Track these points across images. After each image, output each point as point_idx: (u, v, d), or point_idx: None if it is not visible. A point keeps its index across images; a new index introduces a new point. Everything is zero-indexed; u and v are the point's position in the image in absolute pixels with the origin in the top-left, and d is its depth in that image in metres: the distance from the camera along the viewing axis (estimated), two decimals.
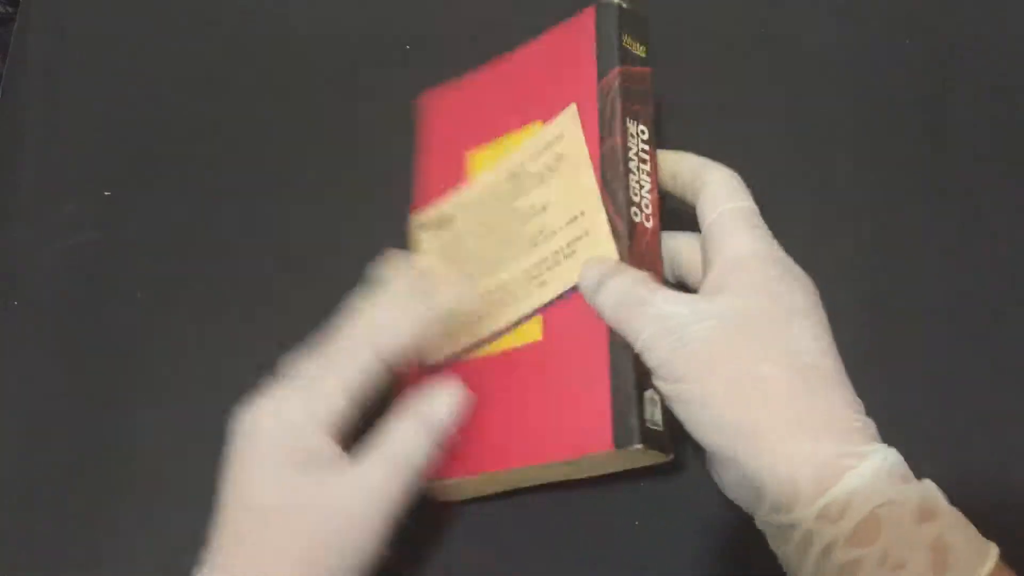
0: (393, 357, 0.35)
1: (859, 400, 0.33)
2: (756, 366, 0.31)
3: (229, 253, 0.48)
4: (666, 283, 0.37)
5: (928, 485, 0.30)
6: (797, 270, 0.35)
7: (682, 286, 0.39)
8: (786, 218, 0.47)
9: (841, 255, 0.46)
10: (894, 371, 0.44)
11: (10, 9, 0.56)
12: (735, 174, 0.37)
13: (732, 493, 0.34)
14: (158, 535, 0.41)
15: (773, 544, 0.32)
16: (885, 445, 0.31)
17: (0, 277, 0.48)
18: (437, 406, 0.36)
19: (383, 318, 0.35)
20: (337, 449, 0.34)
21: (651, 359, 0.33)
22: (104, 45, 0.54)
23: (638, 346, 0.33)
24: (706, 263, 0.36)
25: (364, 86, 0.52)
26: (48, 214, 0.50)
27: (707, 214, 0.36)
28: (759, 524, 0.33)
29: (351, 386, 0.34)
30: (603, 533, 0.41)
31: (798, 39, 0.52)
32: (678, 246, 0.39)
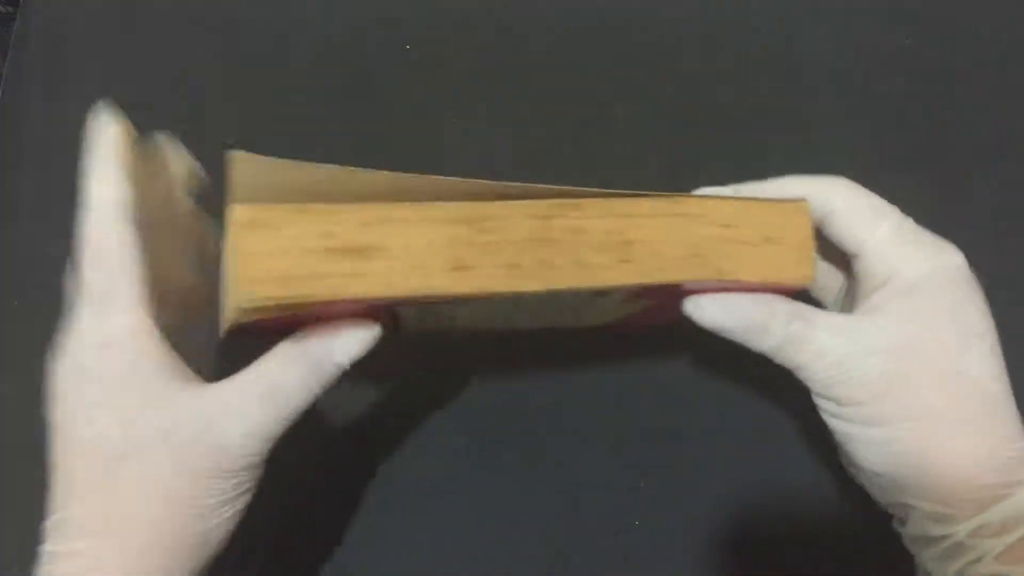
0: (133, 210, 0.32)
1: (1022, 427, 0.32)
2: (923, 393, 0.31)
3: None
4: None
5: None
6: (973, 285, 0.33)
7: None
8: None
9: None
10: None
11: (10, 9, 0.56)
12: (855, 184, 0.35)
13: (887, 504, 0.34)
14: None
15: (911, 543, 0.33)
16: None
17: (0, 277, 0.48)
18: (337, 345, 0.30)
19: (106, 180, 0.33)
20: (168, 352, 0.30)
21: (813, 385, 0.32)
22: (104, 45, 0.54)
23: (803, 372, 0.32)
24: (865, 280, 0.33)
25: (364, 86, 0.52)
26: (48, 213, 0.50)
27: (867, 237, 0.33)
28: (908, 532, 0.33)
29: (142, 274, 0.31)
30: (603, 533, 0.41)
31: (798, 39, 0.52)
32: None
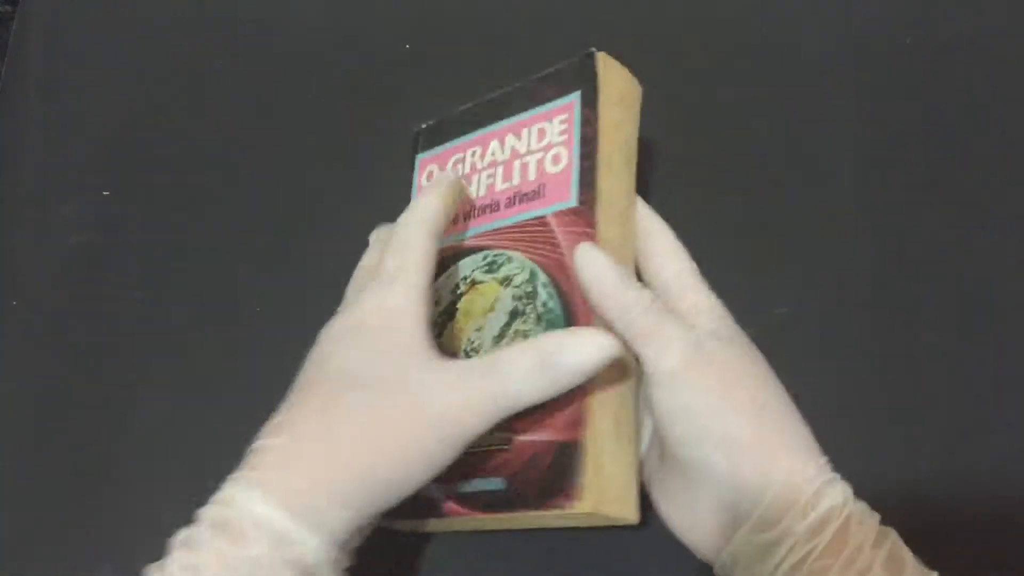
0: (438, 229, 0.37)
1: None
2: (758, 390, 0.34)
3: (229, 253, 0.48)
4: None
5: (876, 514, 0.33)
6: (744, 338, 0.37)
7: None
8: (786, 218, 0.47)
9: (841, 255, 0.46)
10: (894, 371, 0.44)
11: (10, 9, 0.56)
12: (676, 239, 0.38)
13: (699, 527, 0.35)
14: (158, 534, 0.41)
15: (745, 570, 0.33)
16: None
17: (0, 277, 0.48)
18: (568, 344, 0.32)
19: (427, 210, 0.37)
20: (429, 335, 0.34)
21: (662, 361, 0.33)
22: (104, 45, 0.54)
23: (652, 348, 0.33)
24: (683, 314, 0.36)
25: (364, 86, 0.52)
26: (48, 214, 0.50)
27: (666, 270, 0.37)
28: (730, 553, 0.33)
29: (426, 263, 0.35)
30: (603, 533, 0.41)
31: (798, 39, 0.52)
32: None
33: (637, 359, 0.34)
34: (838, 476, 0.33)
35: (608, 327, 0.34)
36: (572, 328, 0.34)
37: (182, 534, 0.31)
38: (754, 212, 0.48)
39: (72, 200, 0.50)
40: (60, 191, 0.50)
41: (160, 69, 0.53)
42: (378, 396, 0.32)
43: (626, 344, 0.34)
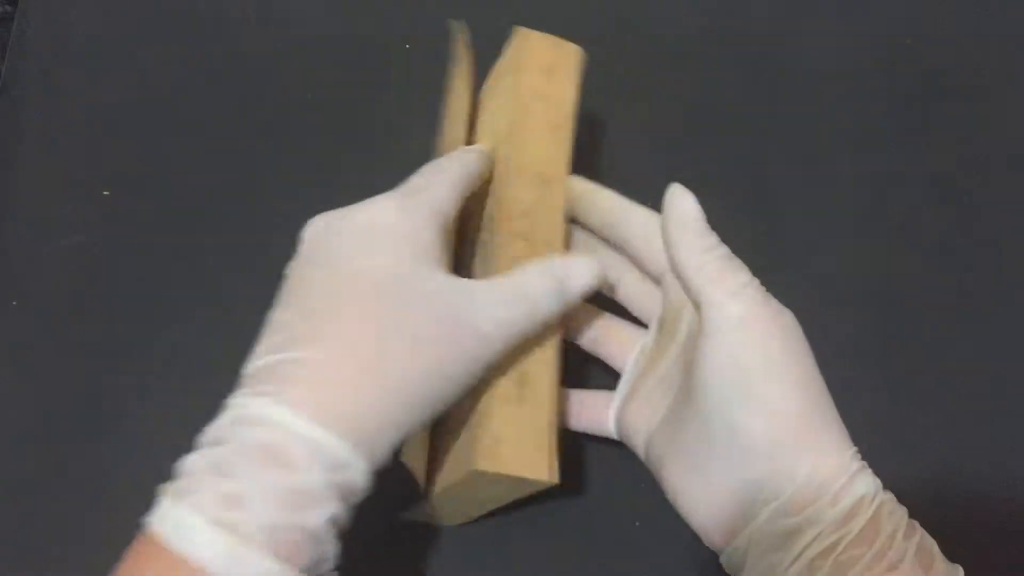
0: (472, 181, 0.37)
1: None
2: (808, 368, 0.32)
3: (229, 253, 0.48)
4: None
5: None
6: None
7: None
8: (786, 218, 0.47)
9: (841, 255, 0.47)
10: (894, 371, 0.44)
11: (9, 9, 0.56)
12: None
13: (715, 510, 0.33)
14: None
15: (760, 558, 0.32)
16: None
17: (0, 277, 0.48)
18: (571, 274, 0.34)
19: (464, 155, 0.37)
20: (448, 250, 0.34)
21: (724, 311, 0.32)
22: (104, 45, 0.54)
23: (718, 295, 0.32)
24: (703, 295, 0.34)
25: (364, 86, 0.52)
26: (48, 214, 0.50)
27: (691, 253, 0.34)
28: (744, 539, 0.32)
29: (455, 194, 0.35)
30: (603, 533, 0.41)
31: (798, 40, 0.52)
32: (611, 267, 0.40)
33: (698, 307, 0.33)
34: (866, 465, 0.32)
35: (665, 270, 0.36)
36: (566, 254, 0.36)
37: (206, 455, 0.28)
38: (754, 212, 0.48)
39: (72, 200, 0.50)
40: (60, 191, 0.50)
41: (160, 69, 0.53)
42: (410, 305, 0.30)
43: (689, 289, 0.33)
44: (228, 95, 0.52)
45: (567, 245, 0.39)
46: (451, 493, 0.37)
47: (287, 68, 0.53)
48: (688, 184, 0.46)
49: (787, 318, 0.33)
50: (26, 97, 0.53)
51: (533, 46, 0.41)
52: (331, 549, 0.29)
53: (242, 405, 0.29)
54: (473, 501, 0.38)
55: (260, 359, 0.30)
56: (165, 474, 0.43)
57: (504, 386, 0.34)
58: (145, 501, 0.43)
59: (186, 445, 0.44)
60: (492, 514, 0.41)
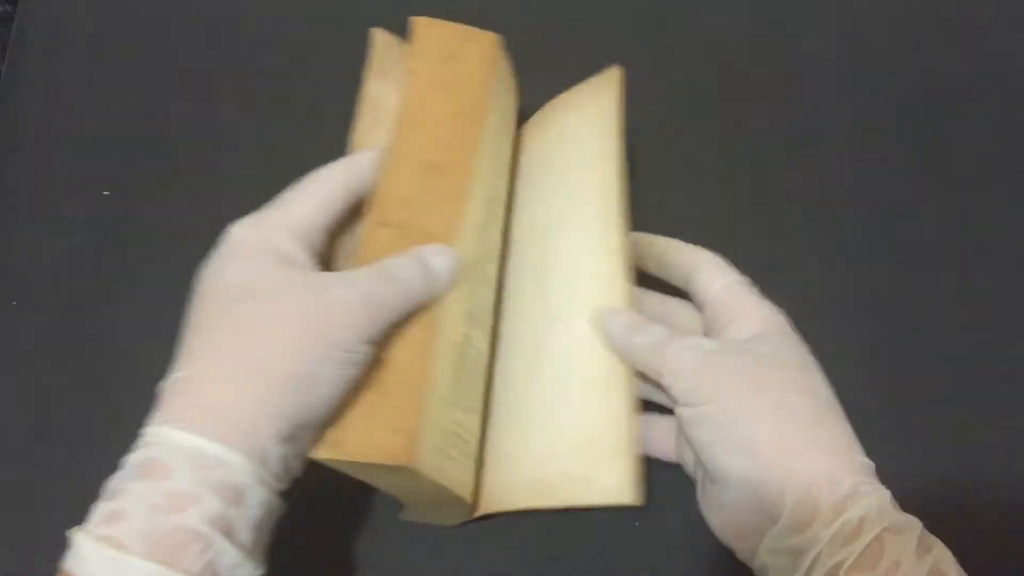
0: (363, 184, 0.38)
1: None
2: (783, 394, 0.34)
3: None
4: None
5: (917, 521, 0.31)
6: (797, 334, 0.37)
7: None
8: (786, 218, 0.47)
9: (841, 255, 0.46)
10: (894, 371, 0.44)
11: (9, 9, 0.56)
12: (715, 254, 0.40)
13: (737, 526, 0.34)
14: None
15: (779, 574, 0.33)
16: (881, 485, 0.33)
17: (0, 277, 0.48)
18: (432, 253, 0.36)
19: (352, 159, 0.39)
20: (312, 258, 0.35)
21: (678, 384, 0.35)
22: (104, 45, 0.54)
23: (666, 376, 0.35)
24: (719, 325, 0.38)
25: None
26: (48, 214, 0.50)
27: (712, 285, 0.38)
28: (762, 556, 0.33)
29: (322, 203, 0.36)
30: (603, 533, 0.41)
31: (798, 40, 0.52)
32: (672, 310, 0.41)
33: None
34: (876, 483, 0.32)
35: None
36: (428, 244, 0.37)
37: (106, 485, 0.30)
38: (754, 212, 0.48)
39: (72, 200, 0.50)
40: (60, 191, 0.50)
41: (160, 69, 0.53)
42: (270, 302, 0.32)
43: (650, 381, 0.36)
44: (228, 96, 0.52)
45: (453, 236, 0.37)
46: (385, 486, 0.37)
47: (287, 68, 0.53)
48: (687, 184, 0.46)
49: (750, 360, 0.35)
50: (26, 97, 0.53)
51: (431, 35, 0.40)
52: (232, 551, 0.29)
53: (140, 433, 0.31)
54: (417, 498, 0.38)
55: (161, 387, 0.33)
56: None
57: (370, 375, 0.34)
58: None
59: None
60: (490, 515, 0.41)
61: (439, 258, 0.36)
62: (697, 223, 0.45)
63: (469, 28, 0.41)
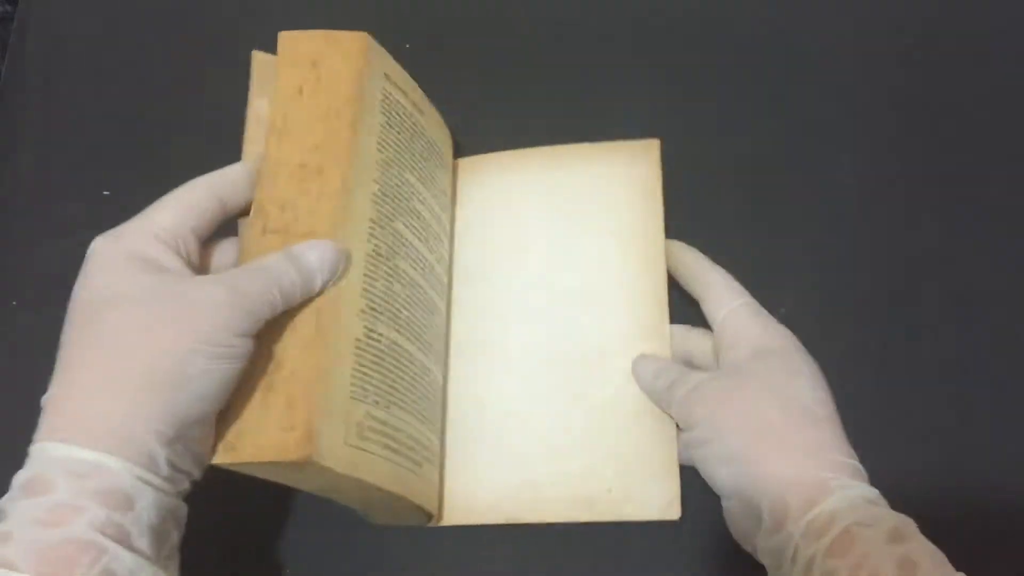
0: (233, 193, 0.38)
1: (851, 449, 0.36)
2: (758, 408, 0.37)
3: None
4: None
5: (906, 518, 0.33)
6: (803, 349, 0.39)
7: None
8: (786, 218, 0.47)
9: (841, 255, 0.46)
10: (894, 371, 0.44)
11: (9, 9, 0.56)
12: (729, 275, 0.42)
13: (739, 531, 0.37)
14: None
15: (775, 572, 0.35)
16: (869, 484, 0.35)
17: (0, 277, 0.48)
18: (305, 248, 0.36)
19: (224, 169, 0.39)
20: (180, 262, 0.35)
21: (677, 413, 0.39)
22: (104, 45, 0.54)
23: (673, 408, 0.39)
24: (721, 351, 0.40)
25: None
26: (48, 213, 0.50)
27: (719, 311, 0.41)
28: (760, 556, 0.36)
29: (186, 209, 0.36)
30: (604, 533, 0.41)
31: (798, 39, 0.52)
32: (694, 339, 0.43)
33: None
34: (852, 480, 0.34)
35: None
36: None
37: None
38: (754, 212, 0.48)
39: (72, 200, 0.50)
40: (60, 191, 0.50)
41: (160, 69, 0.53)
42: (134, 307, 0.32)
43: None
44: (228, 95, 0.52)
45: (342, 232, 0.37)
46: (315, 489, 0.37)
47: None
48: (687, 184, 0.46)
49: (731, 380, 0.38)
50: (26, 97, 0.53)
51: (295, 45, 0.41)
52: (128, 557, 0.29)
53: (27, 453, 0.32)
54: (357, 498, 0.38)
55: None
56: None
57: (253, 379, 0.34)
58: None
59: None
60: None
61: (311, 251, 0.35)
62: (697, 223, 0.45)
63: (334, 32, 0.41)
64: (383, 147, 0.40)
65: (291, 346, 0.35)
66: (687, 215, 0.45)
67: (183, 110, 0.52)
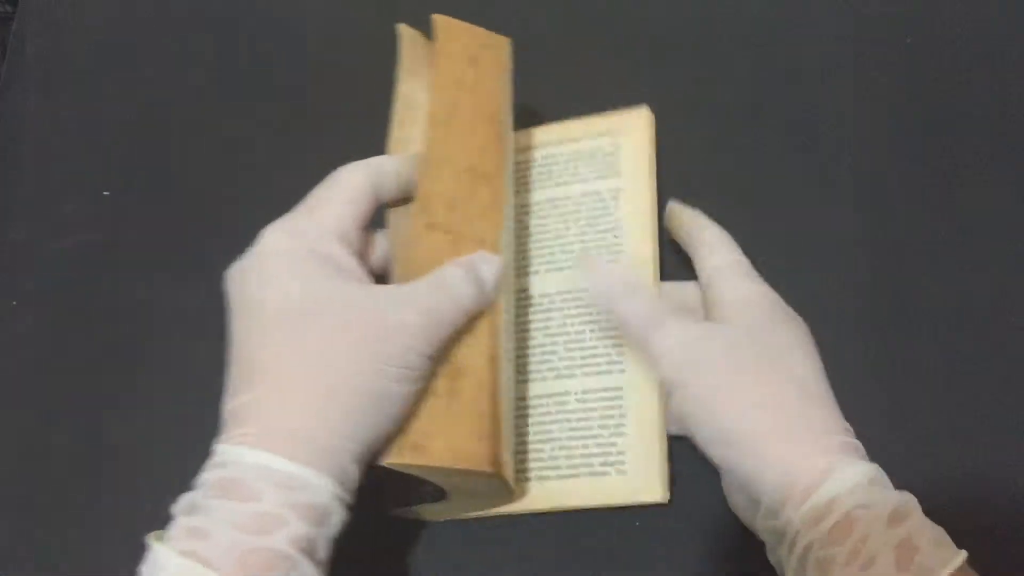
0: (384, 184, 0.37)
1: (847, 425, 0.35)
2: (755, 382, 0.35)
3: (229, 253, 0.48)
4: None
5: (907, 496, 0.32)
6: (791, 312, 0.38)
7: None
8: (786, 217, 0.47)
9: (841, 255, 0.46)
10: (894, 371, 0.44)
11: (9, 9, 0.56)
12: (725, 232, 0.41)
13: (739, 509, 0.36)
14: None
15: (770, 552, 0.35)
16: (868, 461, 0.34)
17: (0, 277, 0.48)
18: (480, 262, 0.36)
19: (373, 160, 0.38)
20: (356, 261, 0.35)
21: (665, 369, 0.36)
22: (103, 45, 0.54)
23: (653, 354, 0.36)
24: (708, 306, 0.39)
25: (365, 85, 0.52)
26: (48, 214, 0.50)
27: (706, 264, 0.40)
28: (760, 534, 0.35)
29: (354, 204, 0.36)
30: (604, 533, 0.41)
31: (799, 39, 0.52)
32: (688, 293, 0.41)
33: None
34: (853, 461, 0.33)
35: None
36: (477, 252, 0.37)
37: (183, 500, 0.30)
38: (754, 212, 0.48)
39: (72, 200, 0.50)
40: (59, 191, 0.50)
41: (160, 69, 0.53)
42: (334, 320, 0.32)
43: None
44: (228, 96, 0.52)
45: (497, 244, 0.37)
46: (441, 482, 0.37)
47: (288, 68, 0.53)
48: (686, 183, 0.46)
49: (728, 357, 0.36)
50: (26, 97, 0.53)
51: (453, 36, 0.40)
52: (309, 570, 0.30)
53: (213, 452, 0.32)
54: (464, 492, 0.38)
55: (224, 408, 0.33)
56: (167, 472, 0.43)
57: (436, 382, 0.34)
58: (146, 498, 0.43)
59: (186, 443, 0.44)
60: (491, 514, 0.41)
61: (487, 266, 0.36)
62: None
63: (486, 31, 0.41)
64: (512, 160, 0.41)
65: (471, 355, 0.35)
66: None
67: (183, 110, 0.52)
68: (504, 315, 0.37)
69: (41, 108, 0.53)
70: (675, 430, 0.40)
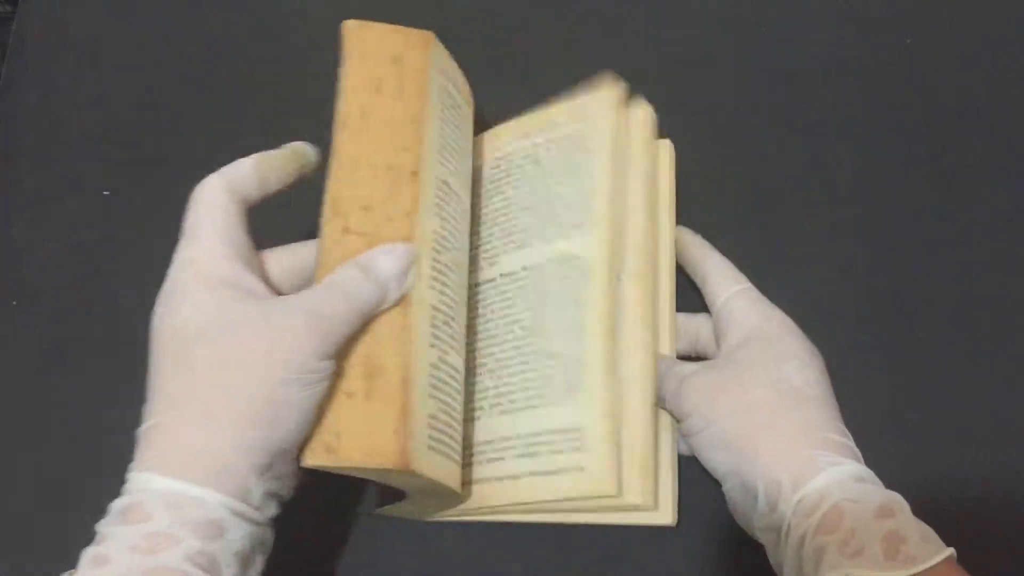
0: (242, 186, 0.37)
1: (845, 430, 0.37)
2: (748, 392, 0.37)
3: None
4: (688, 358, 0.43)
5: (895, 495, 0.34)
6: (799, 331, 0.40)
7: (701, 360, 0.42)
8: (786, 217, 0.48)
9: (841, 255, 0.47)
10: (894, 370, 0.44)
11: (9, 9, 0.56)
12: (728, 261, 0.43)
13: (739, 515, 0.38)
14: None
15: (770, 555, 0.36)
16: (862, 463, 0.36)
17: (0, 277, 0.48)
18: (380, 255, 0.35)
19: (226, 168, 0.38)
20: (248, 273, 0.35)
21: (671, 405, 0.39)
22: (104, 44, 0.54)
23: (667, 402, 0.40)
24: (719, 337, 0.41)
25: None
26: (48, 212, 0.50)
27: (718, 297, 0.42)
28: (759, 536, 0.37)
29: (220, 214, 0.36)
30: (604, 533, 0.41)
31: (799, 40, 0.52)
32: (698, 326, 0.43)
33: None
34: (842, 458, 0.35)
35: None
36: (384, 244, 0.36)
37: (96, 528, 0.31)
38: (754, 212, 0.48)
39: (72, 199, 0.50)
40: (60, 189, 0.50)
41: (160, 69, 0.53)
42: (226, 339, 0.32)
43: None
44: (228, 96, 0.52)
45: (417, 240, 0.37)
46: (376, 479, 0.37)
47: (288, 68, 0.53)
48: (686, 182, 0.46)
49: (723, 371, 0.39)
50: (26, 97, 0.53)
51: (364, 37, 0.40)
52: None
53: (124, 479, 0.32)
54: (421, 497, 0.39)
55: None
56: None
57: (351, 382, 0.34)
58: None
59: None
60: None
61: (386, 258, 0.35)
62: (697, 223, 0.45)
63: (412, 30, 0.40)
64: (444, 149, 0.40)
65: (387, 353, 0.35)
66: (686, 215, 0.45)
67: (183, 110, 0.52)
68: (445, 308, 0.37)
69: (40, 107, 0.53)
70: (684, 450, 0.41)
